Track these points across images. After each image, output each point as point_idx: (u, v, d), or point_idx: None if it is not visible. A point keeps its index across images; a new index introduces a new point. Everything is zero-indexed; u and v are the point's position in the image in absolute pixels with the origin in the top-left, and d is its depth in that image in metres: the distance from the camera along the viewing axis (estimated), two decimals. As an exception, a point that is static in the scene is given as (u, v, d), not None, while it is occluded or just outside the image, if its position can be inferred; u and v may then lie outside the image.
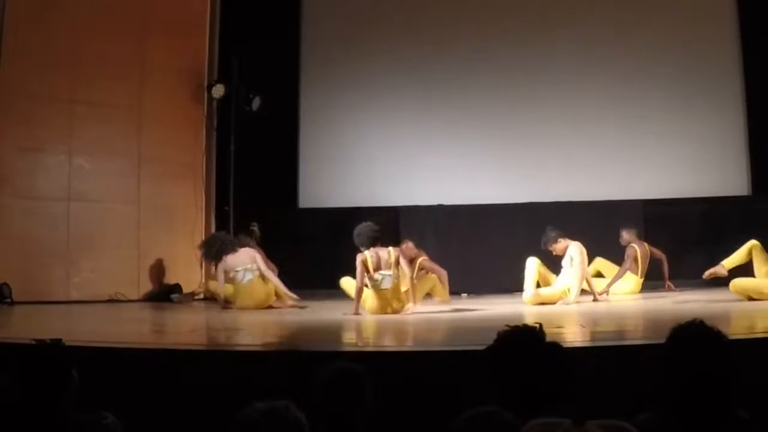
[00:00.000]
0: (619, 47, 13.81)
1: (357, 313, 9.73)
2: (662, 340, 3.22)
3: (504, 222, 13.76)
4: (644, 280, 12.42)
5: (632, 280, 12.37)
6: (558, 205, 13.39)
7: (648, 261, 12.47)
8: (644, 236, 12.82)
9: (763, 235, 10.35)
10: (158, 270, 13.66)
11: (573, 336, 7.16)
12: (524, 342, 3.50)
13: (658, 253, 12.52)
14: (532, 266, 10.94)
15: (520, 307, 10.42)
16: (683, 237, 13.16)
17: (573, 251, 10.83)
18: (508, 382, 3.40)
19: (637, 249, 12.37)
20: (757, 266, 9.92)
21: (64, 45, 12.72)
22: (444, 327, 8.84)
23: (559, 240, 11.03)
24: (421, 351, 6.63)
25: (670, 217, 13.26)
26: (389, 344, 7.66)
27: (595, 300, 11.06)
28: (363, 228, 9.98)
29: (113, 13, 13.22)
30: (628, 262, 12.29)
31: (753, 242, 10.05)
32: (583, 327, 8.07)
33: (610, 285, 11.98)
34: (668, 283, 12.42)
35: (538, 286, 10.93)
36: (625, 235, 12.54)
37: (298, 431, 2.83)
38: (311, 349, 6.81)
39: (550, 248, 11.10)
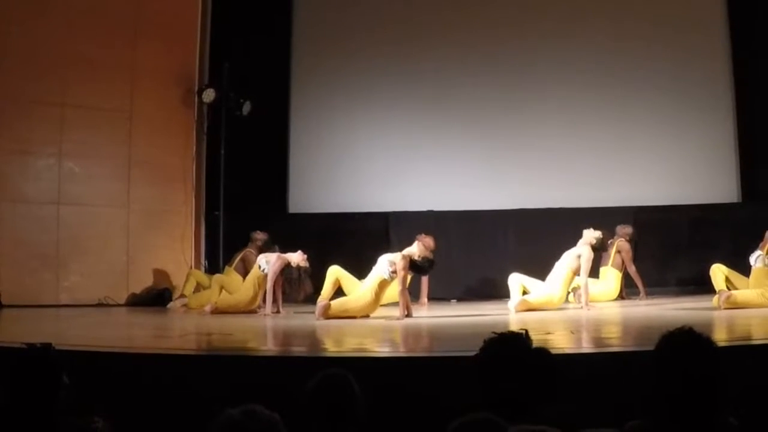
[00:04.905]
0: (609, 55, 13.82)
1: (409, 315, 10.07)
2: (651, 347, 3.23)
3: (494, 228, 13.78)
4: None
5: (616, 282, 12.39)
6: (548, 211, 13.41)
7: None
8: (635, 243, 12.87)
9: (753, 242, 10.43)
10: (147, 274, 13.64)
11: (562, 342, 7.17)
12: (511, 348, 3.52)
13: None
14: (515, 279, 11.00)
15: (509, 314, 10.42)
16: (673, 243, 13.20)
17: (585, 252, 10.81)
18: (497, 388, 3.41)
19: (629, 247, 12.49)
20: (736, 281, 10.38)
21: (55, 48, 12.71)
22: (433, 333, 8.84)
23: (594, 238, 10.97)
24: (412, 357, 6.64)
25: (660, 223, 13.28)
26: (379, 350, 7.65)
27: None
28: None
29: (104, 16, 13.22)
30: (620, 257, 12.40)
31: (715, 266, 10.51)
32: (573, 333, 8.08)
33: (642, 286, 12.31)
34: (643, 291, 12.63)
35: (524, 294, 10.96)
36: (624, 230, 12.62)
37: (276, 428, 2.87)
38: (300, 355, 6.81)
39: (590, 230, 11.06)
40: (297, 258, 11.12)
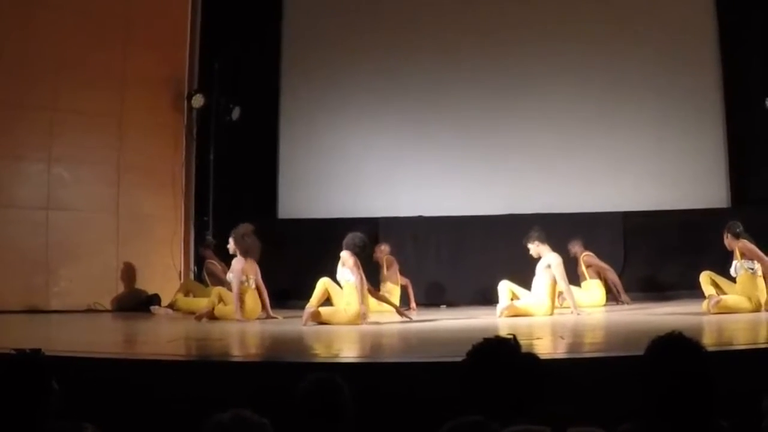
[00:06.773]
0: (600, 62, 13.84)
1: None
2: (641, 352, 3.23)
3: (484, 233, 13.77)
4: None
5: (600, 290, 12.45)
6: (538, 217, 13.36)
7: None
8: (624, 247, 12.90)
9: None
10: (137, 280, 13.61)
11: (551, 347, 7.18)
12: (499, 353, 3.52)
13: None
14: (504, 287, 10.99)
15: (498, 319, 10.42)
16: (663, 248, 13.21)
17: (552, 260, 10.86)
18: (486, 392, 3.41)
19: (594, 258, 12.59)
20: (725, 287, 10.42)
21: (46, 53, 12.69)
22: (421, 338, 8.83)
23: (537, 243, 11.01)
24: (400, 362, 6.63)
25: (650, 228, 13.30)
26: (369, 355, 7.65)
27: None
28: None
29: (95, 21, 13.20)
30: (592, 270, 12.49)
31: (704, 273, 10.49)
32: (562, 338, 8.08)
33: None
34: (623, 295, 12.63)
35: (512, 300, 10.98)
36: (575, 248, 12.67)
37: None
38: (289, 360, 6.80)
39: (528, 246, 11.07)
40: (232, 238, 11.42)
